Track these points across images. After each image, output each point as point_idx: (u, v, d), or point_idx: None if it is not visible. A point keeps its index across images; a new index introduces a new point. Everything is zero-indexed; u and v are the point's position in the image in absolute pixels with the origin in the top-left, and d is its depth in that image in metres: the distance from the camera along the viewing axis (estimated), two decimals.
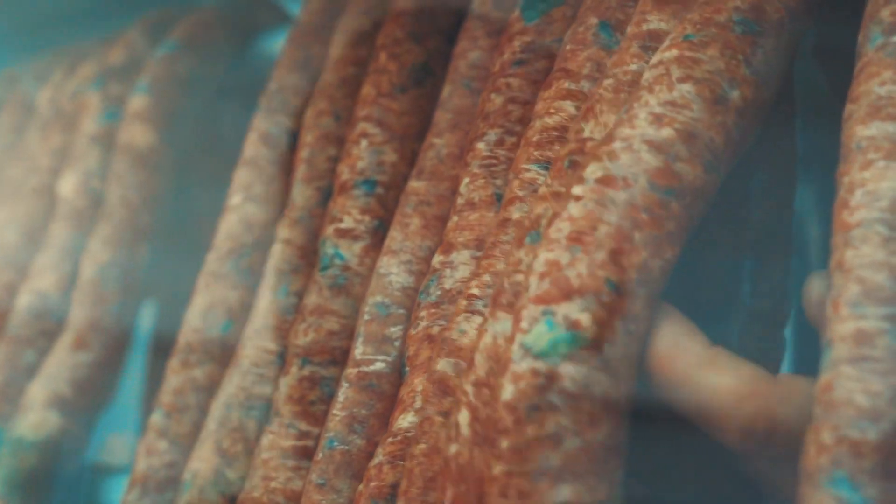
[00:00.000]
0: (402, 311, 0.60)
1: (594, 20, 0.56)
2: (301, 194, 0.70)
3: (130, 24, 0.94)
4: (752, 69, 0.49)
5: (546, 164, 0.54)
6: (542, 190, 0.50)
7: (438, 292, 0.57)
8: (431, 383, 0.53)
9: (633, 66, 0.51)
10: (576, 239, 0.45)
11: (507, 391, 0.43)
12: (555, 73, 0.56)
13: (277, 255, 0.69)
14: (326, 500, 0.57)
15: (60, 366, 0.80)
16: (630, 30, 0.53)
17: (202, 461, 0.65)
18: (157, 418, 0.70)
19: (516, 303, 0.46)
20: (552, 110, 0.55)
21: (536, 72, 0.59)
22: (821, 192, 0.79)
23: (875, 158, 0.44)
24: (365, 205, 0.65)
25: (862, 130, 0.45)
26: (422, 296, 0.57)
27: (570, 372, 0.43)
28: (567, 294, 0.44)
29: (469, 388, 0.47)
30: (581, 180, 0.46)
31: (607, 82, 0.52)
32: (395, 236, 0.62)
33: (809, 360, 0.45)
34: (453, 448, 0.47)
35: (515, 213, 0.54)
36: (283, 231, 0.69)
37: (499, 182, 0.57)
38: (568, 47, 0.56)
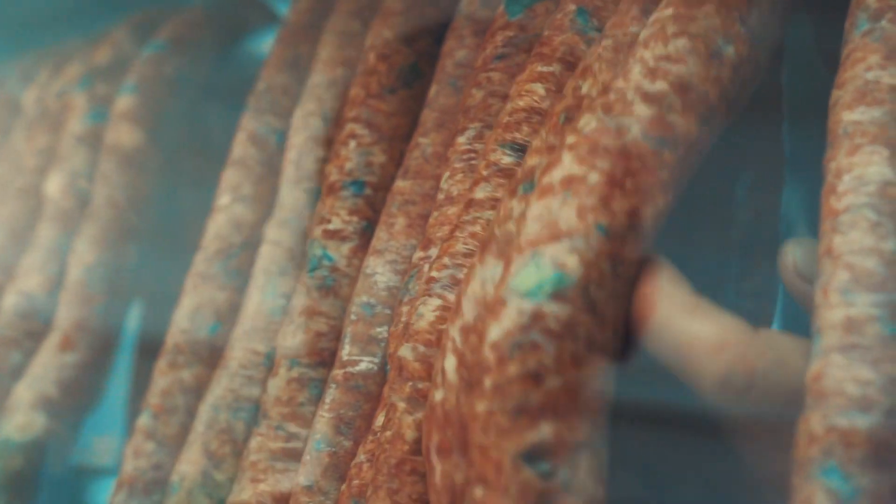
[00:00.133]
0: (387, 311, 0.60)
1: (572, 7, 0.56)
2: (289, 195, 0.69)
3: (116, 23, 0.94)
4: (748, 27, 0.49)
5: (514, 145, 0.54)
6: (536, 143, 0.51)
7: (417, 288, 0.56)
8: (393, 370, 0.53)
9: (633, 29, 0.52)
10: (567, 184, 0.45)
11: (492, 331, 0.43)
12: (530, 59, 0.56)
13: (265, 256, 0.69)
14: (314, 502, 0.57)
15: (47, 367, 0.80)
16: None
17: (190, 463, 0.65)
18: (144, 420, 0.70)
19: (507, 249, 0.46)
20: (523, 93, 0.55)
21: (517, 66, 0.59)
22: (807, 195, 0.79)
23: (862, 143, 0.44)
24: (353, 206, 0.65)
25: (848, 115, 0.44)
26: (402, 293, 0.57)
27: (554, 311, 0.43)
28: (556, 236, 0.44)
29: (456, 334, 0.47)
30: (575, 131, 0.47)
31: (606, 42, 0.52)
32: (380, 236, 0.61)
33: None
34: (439, 394, 0.47)
35: (479, 193, 0.54)
36: (271, 232, 0.69)
37: None
38: (545, 33, 0.57)
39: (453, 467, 0.45)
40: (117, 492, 0.69)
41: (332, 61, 0.72)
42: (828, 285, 0.42)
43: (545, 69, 0.55)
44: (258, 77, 0.77)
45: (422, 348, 0.52)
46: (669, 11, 0.49)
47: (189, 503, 0.64)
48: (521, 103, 0.55)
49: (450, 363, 0.47)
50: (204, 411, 0.66)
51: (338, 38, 0.73)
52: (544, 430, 0.42)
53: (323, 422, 0.59)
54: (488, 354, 0.43)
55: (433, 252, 0.56)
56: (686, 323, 0.44)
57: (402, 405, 0.51)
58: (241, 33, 0.92)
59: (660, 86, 0.47)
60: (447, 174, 0.58)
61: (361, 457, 0.55)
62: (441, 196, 0.58)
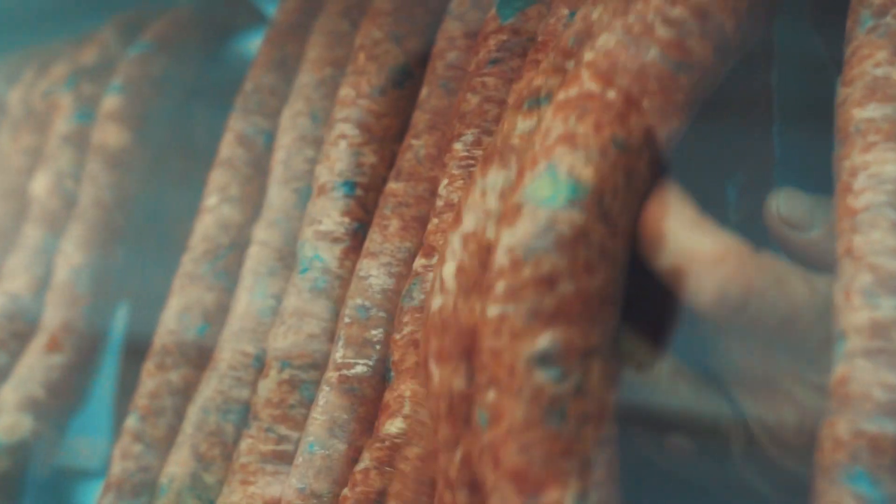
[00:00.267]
0: (382, 313, 0.60)
1: (565, 10, 0.56)
2: (278, 196, 0.69)
3: (103, 23, 0.93)
4: None
5: None
6: (544, 65, 0.51)
7: (422, 296, 0.56)
8: (420, 385, 0.53)
9: None
10: (586, 98, 0.46)
11: (506, 236, 0.44)
12: (526, 66, 0.56)
13: (254, 257, 0.68)
14: None
15: (33, 368, 0.80)
16: None
17: (179, 465, 0.65)
18: (132, 422, 0.69)
19: (517, 159, 0.47)
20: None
21: (512, 70, 0.59)
22: None
23: (876, 141, 0.43)
24: (345, 207, 0.64)
25: (860, 113, 0.44)
26: (405, 300, 0.57)
27: (569, 218, 0.44)
28: (573, 147, 0.45)
29: (455, 241, 0.48)
30: (593, 49, 0.48)
31: None
32: (374, 238, 0.61)
33: None
34: (437, 301, 0.47)
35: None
36: (260, 233, 0.69)
37: None
38: (540, 38, 0.57)
39: (451, 373, 0.46)
40: (105, 494, 0.68)
41: (321, 61, 0.72)
42: (850, 287, 0.42)
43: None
44: (245, 77, 0.76)
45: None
46: None
47: None
48: None
49: (448, 270, 0.47)
50: (193, 413, 0.66)
51: (326, 38, 0.73)
52: (557, 335, 0.43)
53: (317, 424, 0.58)
54: (502, 259, 0.44)
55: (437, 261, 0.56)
56: (689, 236, 0.45)
57: (430, 423, 0.51)
58: (229, 33, 0.92)
59: (679, 11, 0.48)
60: (445, 181, 0.58)
61: (368, 462, 0.55)
62: (440, 203, 0.58)
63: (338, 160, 0.66)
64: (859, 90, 0.45)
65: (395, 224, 0.61)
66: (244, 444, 0.62)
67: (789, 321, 0.45)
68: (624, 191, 0.45)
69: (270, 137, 0.73)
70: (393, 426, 0.55)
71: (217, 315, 0.70)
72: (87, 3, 0.97)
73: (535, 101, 0.50)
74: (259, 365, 0.66)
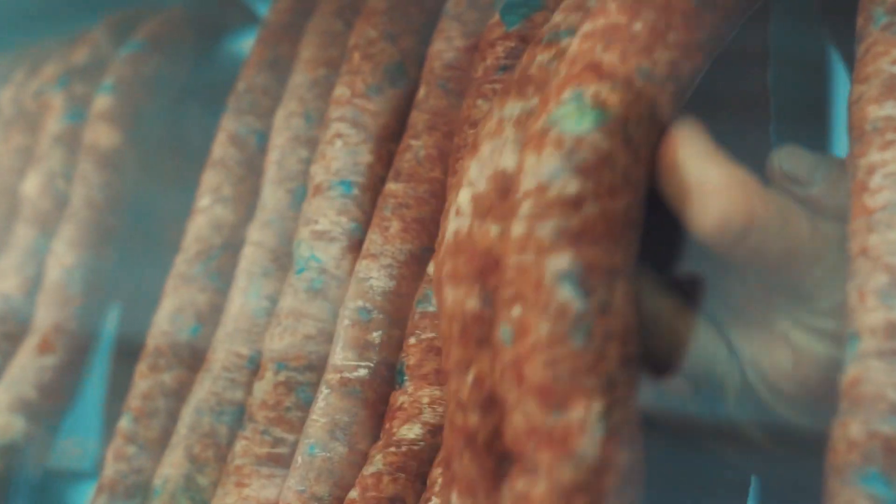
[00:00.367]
0: (382, 315, 0.59)
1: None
2: (272, 196, 0.69)
3: (94, 23, 0.93)
4: None
5: None
6: (563, 5, 0.52)
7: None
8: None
9: None
10: (612, 30, 0.47)
11: (531, 159, 0.45)
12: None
13: (248, 257, 0.68)
14: None
15: (25, 369, 0.79)
16: None
17: (173, 467, 0.64)
18: (125, 423, 0.69)
19: (535, 90, 0.49)
20: None
21: None
22: None
23: (894, 139, 0.43)
24: (341, 206, 0.64)
25: (876, 111, 0.44)
26: (420, 304, 0.57)
27: (594, 143, 0.45)
28: (599, 76, 0.46)
29: (473, 168, 0.49)
30: None
31: None
32: (374, 239, 0.61)
33: None
34: (453, 225, 0.48)
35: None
36: (254, 233, 0.69)
37: None
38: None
39: (465, 294, 0.47)
40: (98, 495, 0.68)
41: (315, 61, 0.72)
42: (864, 287, 0.42)
43: None
44: (238, 77, 0.76)
45: None
46: None
47: None
48: None
49: (465, 195, 0.48)
50: (187, 414, 0.66)
51: (320, 38, 0.73)
52: (583, 253, 0.44)
53: (317, 426, 0.58)
54: (528, 181, 0.45)
55: None
56: (700, 165, 0.46)
57: None
58: (221, 33, 0.92)
59: None
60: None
61: (380, 467, 0.54)
62: None
63: (334, 159, 0.65)
64: (875, 88, 0.45)
65: (395, 225, 0.61)
66: (239, 446, 0.62)
67: (788, 257, 0.45)
68: (647, 120, 0.46)
69: (263, 138, 0.73)
70: (411, 431, 0.55)
71: (210, 316, 0.70)
72: (78, 2, 0.97)
73: (555, 34, 0.50)
74: (253, 366, 0.65)
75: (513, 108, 0.49)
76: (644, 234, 0.47)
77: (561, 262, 0.44)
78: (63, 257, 0.81)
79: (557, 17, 0.52)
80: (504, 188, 0.47)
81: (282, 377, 0.62)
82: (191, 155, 0.78)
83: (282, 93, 0.73)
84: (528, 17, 0.59)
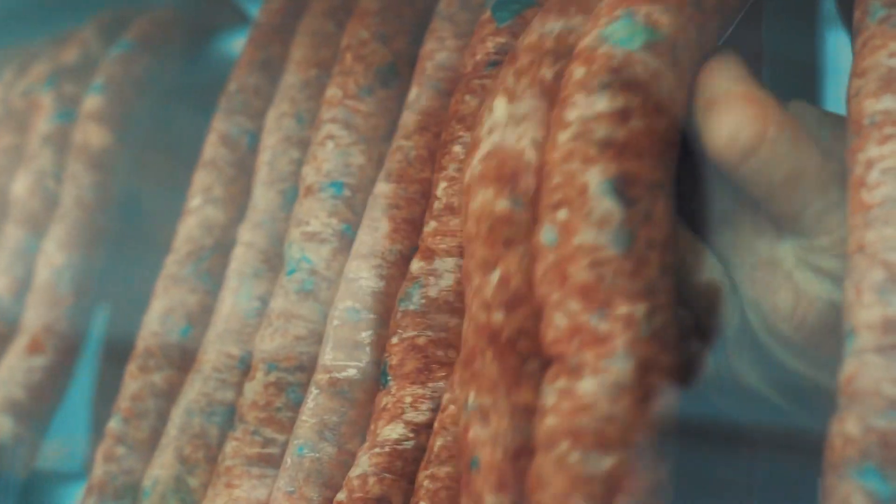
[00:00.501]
0: (372, 315, 0.59)
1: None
2: (263, 197, 0.69)
3: (83, 23, 0.93)
4: None
5: None
6: None
7: (423, 301, 0.56)
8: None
9: None
10: None
11: (580, 72, 0.47)
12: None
13: (239, 258, 0.68)
14: None
15: (14, 370, 0.79)
16: None
17: (163, 468, 0.64)
18: (114, 424, 0.69)
19: (577, 9, 0.50)
20: None
21: None
22: None
23: (892, 133, 0.43)
24: (332, 208, 0.64)
25: (874, 105, 0.44)
26: (402, 303, 0.57)
27: (643, 59, 0.46)
28: None
29: (509, 77, 0.50)
30: None
31: None
32: (364, 240, 0.61)
33: None
34: (485, 129, 0.50)
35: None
36: (245, 234, 0.68)
37: None
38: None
39: (495, 195, 0.48)
40: (87, 496, 0.68)
41: (306, 62, 0.71)
42: (861, 283, 0.42)
43: None
44: (229, 78, 0.76)
45: None
46: None
47: None
48: None
49: (500, 101, 0.50)
50: (177, 415, 0.65)
51: (311, 38, 0.73)
52: (627, 163, 0.45)
53: (306, 427, 0.58)
54: (576, 93, 0.46)
55: (439, 265, 0.57)
56: (726, 81, 0.47)
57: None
58: (211, 33, 0.91)
59: None
60: (444, 184, 0.58)
61: (366, 468, 0.54)
62: (438, 205, 0.57)
63: (325, 161, 0.65)
64: (873, 81, 0.44)
65: (385, 226, 0.61)
66: (229, 447, 0.62)
67: (793, 179, 0.46)
68: (694, 46, 0.47)
69: (254, 138, 0.73)
70: (394, 432, 0.55)
71: (200, 317, 0.70)
72: (68, 2, 0.96)
73: None
74: (243, 367, 0.65)
75: (554, 24, 0.50)
76: None
77: (607, 170, 0.45)
78: (53, 257, 0.81)
79: None
80: (542, 96, 0.49)
81: (272, 378, 0.62)
82: (181, 155, 0.78)
83: (273, 93, 0.73)
84: (520, 14, 0.59)
